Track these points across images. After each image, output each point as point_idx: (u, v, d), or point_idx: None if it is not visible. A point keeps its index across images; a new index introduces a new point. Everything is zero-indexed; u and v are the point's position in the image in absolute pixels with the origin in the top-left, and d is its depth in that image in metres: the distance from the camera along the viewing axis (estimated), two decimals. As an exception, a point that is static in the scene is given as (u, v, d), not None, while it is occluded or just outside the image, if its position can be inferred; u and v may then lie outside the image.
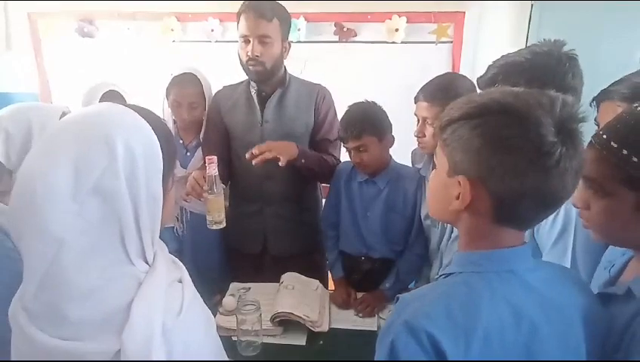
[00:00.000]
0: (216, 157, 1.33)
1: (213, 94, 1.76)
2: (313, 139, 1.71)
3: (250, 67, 1.57)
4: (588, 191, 0.76)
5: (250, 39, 1.54)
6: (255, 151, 1.46)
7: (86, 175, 0.60)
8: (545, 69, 1.06)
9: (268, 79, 1.62)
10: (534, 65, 1.07)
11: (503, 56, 1.14)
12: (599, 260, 0.94)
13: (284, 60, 1.66)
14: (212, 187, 1.32)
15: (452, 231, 1.40)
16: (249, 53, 1.54)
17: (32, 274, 0.62)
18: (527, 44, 2.30)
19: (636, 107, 0.72)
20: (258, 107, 1.64)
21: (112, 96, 1.74)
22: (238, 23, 1.58)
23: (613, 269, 0.86)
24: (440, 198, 0.74)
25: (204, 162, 1.33)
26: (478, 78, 1.19)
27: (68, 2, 2.57)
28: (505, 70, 1.10)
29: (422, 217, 1.55)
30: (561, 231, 1.12)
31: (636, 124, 0.71)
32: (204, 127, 1.76)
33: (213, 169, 1.31)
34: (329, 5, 2.42)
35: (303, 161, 1.55)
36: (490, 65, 1.15)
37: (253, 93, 1.65)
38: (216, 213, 1.34)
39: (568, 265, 1.11)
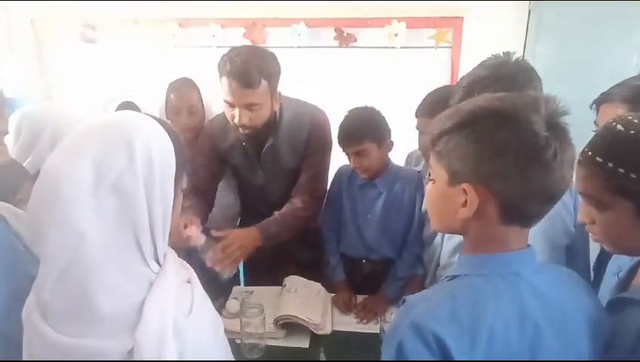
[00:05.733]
0: None
1: (205, 125, 1.66)
2: (300, 168, 1.63)
3: (239, 129, 1.46)
4: (589, 207, 0.78)
5: (236, 106, 1.41)
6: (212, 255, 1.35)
7: (106, 173, 0.63)
8: (509, 77, 1.07)
9: (260, 135, 1.51)
10: (500, 76, 1.07)
11: (463, 77, 1.15)
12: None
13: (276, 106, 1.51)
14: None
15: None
16: (235, 121, 1.42)
17: (52, 267, 0.64)
18: (525, 48, 2.34)
19: (611, 122, 0.76)
20: (252, 155, 1.59)
21: (128, 107, 1.73)
22: (220, 77, 1.40)
23: (622, 273, 0.87)
24: (443, 209, 0.74)
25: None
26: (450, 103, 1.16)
27: (70, 5, 2.58)
28: (473, 88, 1.08)
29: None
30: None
31: (614, 138, 0.74)
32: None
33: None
34: (329, 11, 2.44)
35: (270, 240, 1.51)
36: (455, 89, 1.14)
37: (244, 144, 1.56)
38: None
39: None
